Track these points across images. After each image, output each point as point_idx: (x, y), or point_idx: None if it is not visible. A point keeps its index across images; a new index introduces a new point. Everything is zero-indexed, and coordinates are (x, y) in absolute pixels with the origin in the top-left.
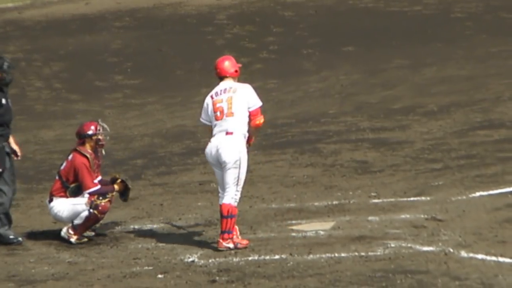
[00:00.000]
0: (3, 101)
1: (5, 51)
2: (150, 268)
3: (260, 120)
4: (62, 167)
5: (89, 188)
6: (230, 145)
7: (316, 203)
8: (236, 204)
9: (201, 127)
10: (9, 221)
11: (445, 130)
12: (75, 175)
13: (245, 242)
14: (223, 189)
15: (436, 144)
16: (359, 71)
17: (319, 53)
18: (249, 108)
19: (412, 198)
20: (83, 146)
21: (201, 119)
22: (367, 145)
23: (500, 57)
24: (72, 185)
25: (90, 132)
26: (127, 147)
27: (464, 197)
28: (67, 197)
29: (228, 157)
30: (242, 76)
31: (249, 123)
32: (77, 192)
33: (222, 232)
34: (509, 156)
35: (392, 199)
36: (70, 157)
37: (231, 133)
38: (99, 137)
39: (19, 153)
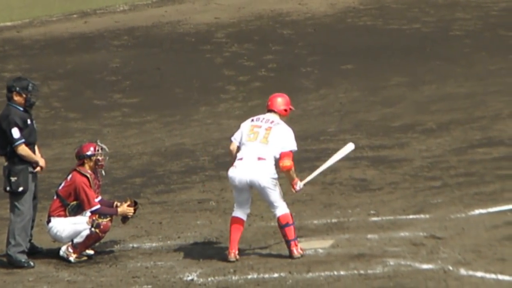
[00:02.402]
0: (28, 121)
1: (4, 70)
2: (149, 286)
3: (286, 163)
4: (60, 187)
5: (91, 206)
6: (262, 169)
7: (315, 221)
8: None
9: (200, 145)
10: (26, 242)
11: (444, 148)
12: (76, 194)
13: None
14: (245, 208)
15: (435, 162)
16: (358, 89)
17: (318, 71)
18: (282, 148)
19: (411, 216)
20: (82, 166)
21: (232, 138)
22: (366, 163)
23: (499, 75)
24: (72, 203)
25: (89, 153)
26: (125, 165)
27: (463, 215)
28: (66, 216)
29: (263, 181)
30: (241, 94)
31: (279, 161)
32: (77, 210)
33: (293, 240)
34: (508, 174)
35: (391, 217)
36: (69, 177)
37: (264, 159)
38: (98, 157)
39: (42, 164)
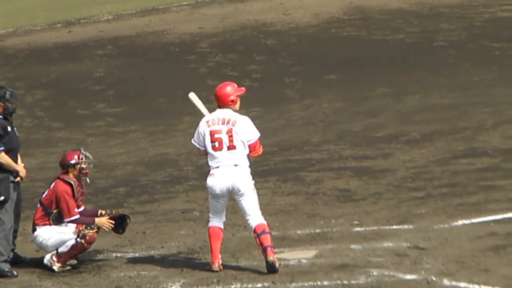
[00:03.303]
0: (9, 129)
1: None
2: None
3: (259, 152)
4: (44, 195)
5: (70, 216)
6: (241, 175)
7: (298, 231)
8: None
9: (184, 155)
10: (8, 251)
11: (428, 159)
12: (57, 202)
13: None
14: (221, 216)
15: (419, 173)
16: (342, 99)
17: (302, 81)
18: (248, 141)
19: (394, 227)
20: (66, 175)
21: (192, 141)
22: (349, 173)
23: (483, 86)
24: (55, 211)
25: (73, 162)
26: (109, 175)
27: (447, 226)
28: (50, 224)
29: (244, 186)
30: None
31: (248, 154)
32: (60, 218)
33: (270, 247)
34: (491, 185)
35: (375, 227)
36: (52, 185)
37: (238, 165)
38: (83, 165)
39: (22, 174)
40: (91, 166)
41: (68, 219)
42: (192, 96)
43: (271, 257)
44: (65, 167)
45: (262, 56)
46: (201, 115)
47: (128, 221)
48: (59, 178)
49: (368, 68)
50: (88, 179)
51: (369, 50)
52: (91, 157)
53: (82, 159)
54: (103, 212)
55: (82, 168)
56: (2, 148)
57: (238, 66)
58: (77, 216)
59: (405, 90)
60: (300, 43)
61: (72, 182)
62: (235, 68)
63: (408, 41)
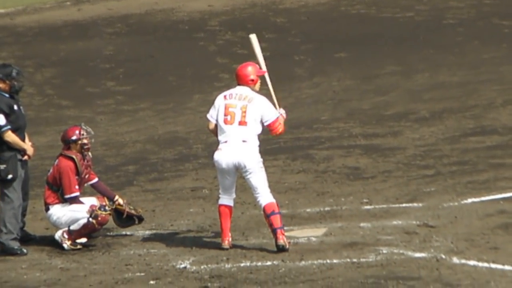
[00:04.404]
0: (15, 107)
1: None
2: (142, 274)
3: (278, 130)
4: (49, 173)
5: (70, 192)
6: (249, 151)
7: (308, 210)
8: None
9: (194, 133)
10: (17, 230)
11: (437, 137)
12: (60, 178)
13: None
14: (230, 193)
15: (428, 151)
16: (351, 77)
17: (311, 60)
18: (266, 121)
19: (404, 205)
20: (69, 150)
21: (208, 116)
22: (359, 151)
23: (492, 64)
24: (61, 188)
25: (74, 138)
26: (119, 153)
27: (456, 204)
28: (61, 202)
29: (250, 162)
30: (234, 82)
31: (270, 132)
32: None
33: (279, 229)
34: (501, 163)
35: (384, 206)
36: (56, 162)
37: (248, 141)
38: (84, 141)
39: (29, 153)
40: (93, 140)
41: (68, 196)
42: (253, 38)
43: (281, 241)
44: (67, 143)
45: (271, 34)
46: (256, 60)
47: (136, 222)
48: (61, 154)
49: (377, 46)
50: (90, 153)
51: (379, 28)
52: (92, 132)
53: (83, 134)
54: (121, 200)
55: (84, 144)
56: (9, 127)
57: (248, 44)
58: (77, 193)
59: (415, 68)
60: (310, 21)
61: (74, 157)
62: (245, 46)
63: (417, 19)
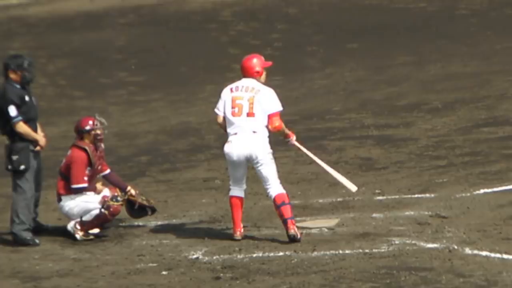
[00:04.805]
0: (26, 98)
1: (9, 48)
2: (155, 265)
3: (275, 123)
4: (62, 164)
5: (77, 183)
6: (259, 142)
7: (320, 200)
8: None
9: (206, 124)
10: (29, 220)
11: (450, 127)
12: (70, 168)
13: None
14: (241, 184)
15: (441, 141)
16: (363, 68)
17: (324, 50)
18: (267, 111)
19: (416, 195)
20: (81, 141)
21: (215, 109)
22: (371, 142)
23: (505, 54)
24: None
25: (87, 128)
26: (131, 144)
27: (469, 194)
28: (74, 193)
29: (261, 153)
30: None
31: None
32: None
33: (290, 219)
34: None
35: (397, 196)
36: (68, 152)
37: (257, 132)
38: (97, 131)
39: (41, 143)
40: (106, 131)
41: (75, 186)
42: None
43: (292, 231)
44: (80, 133)
45: (283, 24)
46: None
47: (149, 213)
48: (74, 145)
49: (389, 36)
50: (102, 145)
51: (391, 18)
52: (106, 123)
53: (96, 125)
54: (133, 191)
55: (97, 134)
56: (20, 118)
57: (260, 34)
58: (85, 185)
59: (427, 58)
60: (322, 11)
61: (87, 148)
62: (257, 37)
63: (430, 9)
